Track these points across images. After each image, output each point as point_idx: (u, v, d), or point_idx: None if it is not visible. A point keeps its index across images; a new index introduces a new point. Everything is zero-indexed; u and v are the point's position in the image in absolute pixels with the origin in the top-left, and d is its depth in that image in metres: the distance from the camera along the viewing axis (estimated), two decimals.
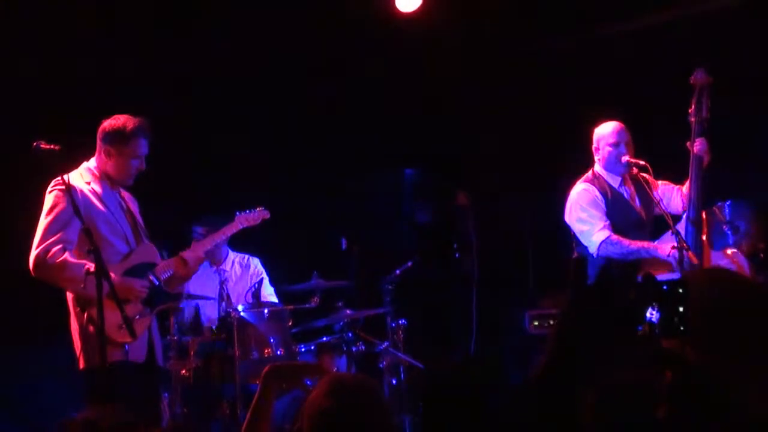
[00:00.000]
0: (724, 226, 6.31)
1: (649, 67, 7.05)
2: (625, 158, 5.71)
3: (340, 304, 6.74)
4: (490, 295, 7.15)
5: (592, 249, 5.59)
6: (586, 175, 5.86)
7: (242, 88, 7.41)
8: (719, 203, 6.36)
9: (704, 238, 5.64)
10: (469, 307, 7.11)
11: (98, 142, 5.19)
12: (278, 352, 6.21)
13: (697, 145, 5.57)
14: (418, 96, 7.66)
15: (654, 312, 2.82)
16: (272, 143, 7.57)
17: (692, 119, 5.66)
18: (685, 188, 5.72)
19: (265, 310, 6.35)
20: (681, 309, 2.54)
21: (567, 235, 5.81)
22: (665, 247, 5.44)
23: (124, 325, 4.74)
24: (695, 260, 5.41)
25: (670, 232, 5.52)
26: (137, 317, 5.02)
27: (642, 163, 5.67)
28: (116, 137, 5.13)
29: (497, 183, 7.80)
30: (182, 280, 5.45)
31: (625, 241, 5.53)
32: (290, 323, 6.48)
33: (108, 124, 5.17)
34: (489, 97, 7.67)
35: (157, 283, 5.17)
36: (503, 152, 7.74)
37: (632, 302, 2.71)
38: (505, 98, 7.62)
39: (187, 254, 5.38)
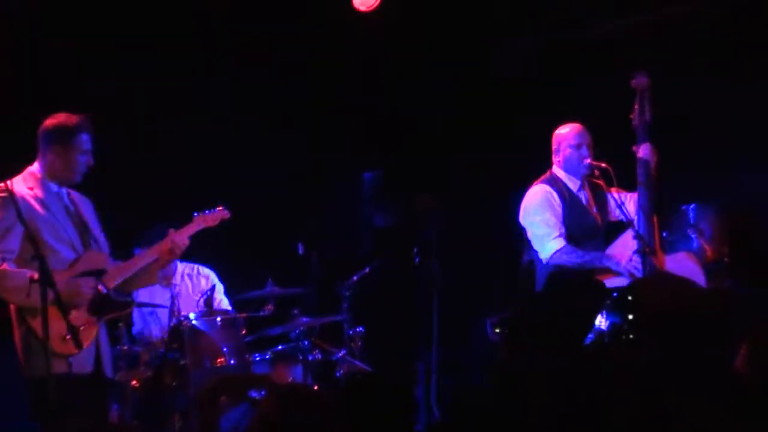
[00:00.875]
0: (689, 230, 6.40)
1: (604, 70, 7.06)
2: (587, 160, 5.71)
3: (295, 311, 6.69)
4: (454, 302, 7.13)
5: (544, 256, 5.57)
6: (544, 177, 5.83)
7: (194, 89, 7.37)
8: (684, 206, 6.44)
9: (657, 243, 5.64)
10: (430, 315, 7.05)
11: (41, 143, 5.14)
12: (231, 362, 6.17)
13: (643, 150, 5.58)
14: (378, 96, 7.66)
15: (604, 319, 2.93)
16: (225, 145, 7.51)
17: (635, 123, 5.69)
18: (636, 195, 5.72)
19: (218, 318, 6.32)
20: (630, 317, 2.58)
21: (519, 237, 5.80)
22: (620, 257, 5.43)
23: (69, 336, 4.67)
24: (661, 264, 5.46)
25: (625, 236, 5.56)
26: (83, 327, 4.92)
27: (604, 165, 5.68)
28: (59, 135, 5.09)
29: (463, 185, 7.82)
30: (163, 265, 5.37)
31: (580, 252, 5.53)
32: (244, 331, 6.45)
33: (49, 123, 5.14)
34: (450, 97, 7.67)
35: (105, 291, 5.08)
36: (469, 154, 7.73)
37: (582, 310, 2.77)
38: (466, 99, 7.64)
39: (176, 235, 5.30)
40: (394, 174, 8.01)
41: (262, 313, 6.66)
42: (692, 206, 6.40)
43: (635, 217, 5.63)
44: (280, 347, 6.69)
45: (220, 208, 5.66)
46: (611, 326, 2.90)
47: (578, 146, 5.76)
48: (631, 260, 5.36)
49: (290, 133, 7.64)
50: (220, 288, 6.94)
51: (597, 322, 3.01)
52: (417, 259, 7.05)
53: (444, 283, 6.90)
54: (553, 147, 5.86)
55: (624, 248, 5.54)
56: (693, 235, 6.35)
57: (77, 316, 4.92)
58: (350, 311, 6.91)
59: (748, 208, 6.63)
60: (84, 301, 4.98)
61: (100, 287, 5.03)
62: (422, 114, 7.70)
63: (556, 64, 7.38)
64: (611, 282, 5.37)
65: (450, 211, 7.32)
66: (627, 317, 2.82)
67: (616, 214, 5.86)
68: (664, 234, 6.19)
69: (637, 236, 5.40)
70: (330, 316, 6.90)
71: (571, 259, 5.53)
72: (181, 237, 5.31)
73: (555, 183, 5.76)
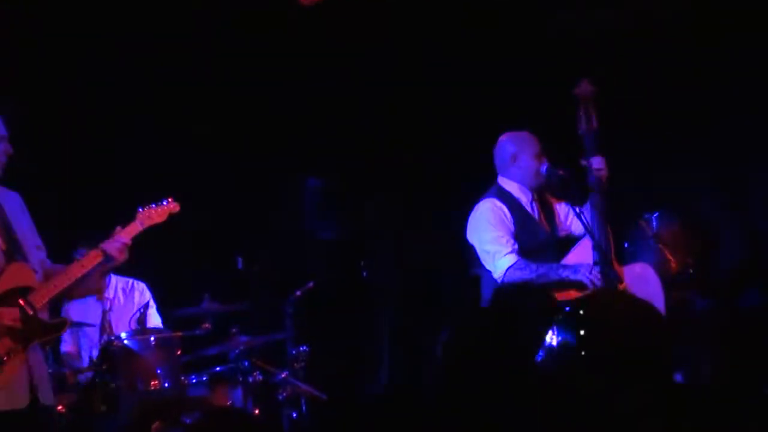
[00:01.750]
0: (651, 240, 6.41)
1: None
2: (545, 167, 5.63)
3: (234, 329, 6.61)
4: (406, 318, 7.07)
5: (497, 274, 5.49)
6: (491, 190, 5.75)
7: (128, 95, 7.27)
8: (646, 215, 6.43)
9: (612, 250, 5.55)
10: (380, 332, 7.07)
11: None
12: (166, 384, 6.07)
13: (596, 162, 5.53)
14: (322, 99, 7.56)
15: (554, 336, 2.91)
16: (159, 151, 7.37)
17: (582, 132, 5.62)
18: (585, 209, 5.64)
19: (152, 338, 6.22)
20: (582, 332, 2.58)
21: (467, 254, 5.72)
22: (578, 266, 5.38)
23: None
24: (621, 275, 5.38)
25: (579, 248, 5.52)
26: (6, 357, 4.43)
27: (561, 173, 5.63)
28: None
29: (412, 194, 7.75)
30: (104, 274, 4.99)
31: (533, 265, 5.45)
32: (179, 352, 6.35)
33: None
34: (399, 98, 7.61)
35: (31, 312, 4.52)
36: (419, 159, 7.71)
37: (530, 326, 2.80)
38: (414, 100, 7.57)
39: (107, 245, 4.75)
40: (339, 180, 7.94)
41: (198, 332, 6.54)
42: (655, 215, 6.38)
43: (585, 235, 5.59)
44: (218, 368, 6.60)
45: (169, 199, 5.14)
46: (562, 343, 2.93)
47: (538, 155, 5.67)
48: (590, 271, 5.30)
49: (229, 136, 7.56)
50: (153, 305, 6.85)
51: (548, 339, 3.03)
52: (365, 273, 7.15)
53: (395, 298, 6.95)
54: (503, 157, 5.75)
55: (579, 261, 5.48)
56: (656, 246, 6.34)
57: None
58: (294, 329, 6.79)
59: (714, 217, 6.70)
60: (4, 335, 4.44)
61: (24, 307, 4.48)
62: (369, 116, 7.66)
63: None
64: (569, 297, 5.32)
65: (402, 220, 7.29)
66: (579, 333, 2.83)
67: (566, 225, 5.83)
68: (625, 244, 6.22)
69: (596, 247, 5.34)
70: (272, 335, 6.82)
71: (526, 274, 5.43)
72: (124, 238, 4.81)
73: (503, 196, 5.68)
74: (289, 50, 7.36)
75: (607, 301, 2.96)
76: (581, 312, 2.79)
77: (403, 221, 7.53)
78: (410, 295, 7.28)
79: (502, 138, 5.79)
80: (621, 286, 5.31)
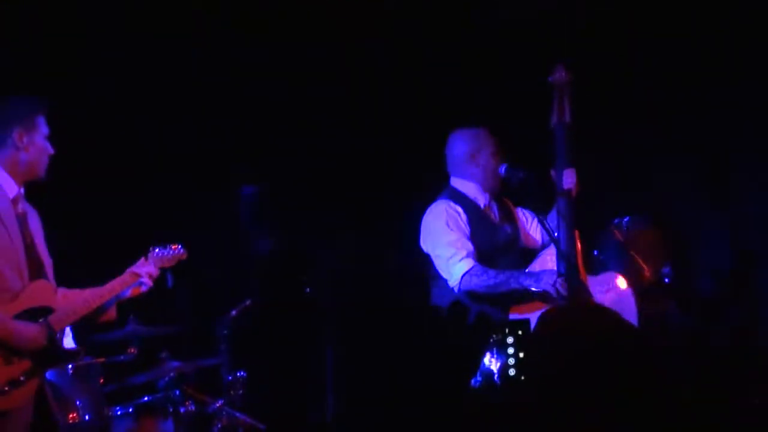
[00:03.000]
0: (623, 247, 6.31)
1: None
2: (504, 166, 5.54)
3: (163, 354, 6.42)
4: (352, 340, 6.96)
5: (453, 281, 5.40)
6: (443, 191, 5.68)
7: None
8: (616, 220, 6.36)
9: (580, 259, 5.43)
10: (325, 355, 6.97)
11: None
12: (86, 417, 5.93)
13: (566, 180, 5.43)
14: (256, 98, 7.43)
15: (494, 358, 3.08)
16: (78, 158, 6.82)
17: (553, 124, 5.52)
18: (551, 216, 5.56)
19: (69, 366, 6.04)
20: (521, 355, 2.65)
21: (422, 263, 5.64)
22: (541, 274, 5.27)
23: (7, 388, 4.28)
24: (587, 289, 5.27)
25: (543, 257, 5.46)
26: (22, 378, 4.41)
27: (521, 175, 5.51)
28: (23, 118, 4.60)
29: (359, 201, 7.66)
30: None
31: (492, 271, 5.34)
32: (102, 380, 6.24)
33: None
34: (339, 96, 7.48)
35: (51, 334, 4.54)
36: (367, 162, 7.61)
37: (465, 346, 2.88)
38: (361, 98, 7.47)
39: (139, 268, 5.04)
40: (277, 187, 7.75)
41: (123, 358, 6.41)
42: (626, 219, 6.33)
43: (546, 246, 5.58)
44: (145, 398, 6.34)
45: (175, 247, 5.38)
46: (502, 367, 3.03)
47: (495, 154, 5.63)
48: (554, 280, 5.18)
49: (157, 139, 7.31)
50: (69, 329, 6.25)
51: (486, 362, 3.16)
52: (308, 289, 7.07)
53: (341, 316, 6.91)
54: (457, 155, 5.68)
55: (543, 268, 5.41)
56: (627, 253, 6.28)
57: (15, 364, 4.41)
58: (229, 353, 6.63)
59: (691, 221, 6.69)
60: (32, 349, 4.44)
61: (48, 330, 4.51)
62: (310, 117, 7.52)
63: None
64: (527, 313, 5.18)
65: (347, 230, 7.32)
66: (518, 356, 2.95)
67: (529, 232, 5.83)
68: (595, 252, 6.16)
69: (561, 256, 5.22)
70: (205, 360, 6.62)
71: (483, 281, 5.33)
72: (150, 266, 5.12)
73: (457, 198, 5.61)
74: (219, 46, 7.23)
75: (572, 318, 2.84)
76: (520, 333, 2.93)
77: (349, 231, 7.43)
78: (357, 312, 7.13)
79: (455, 135, 5.72)
80: (588, 299, 5.21)
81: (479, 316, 5.30)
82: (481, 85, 7.05)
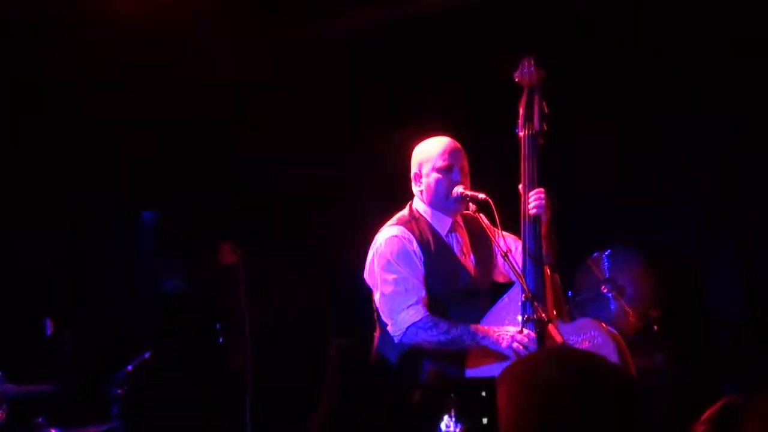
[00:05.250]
0: (603, 287, 6.15)
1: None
2: (458, 190, 5.03)
3: (40, 419, 5.92)
4: (272, 397, 6.74)
5: (396, 331, 5.00)
6: (400, 214, 5.19)
7: None
8: (595, 254, 6.17)
9: (549, 302, 5.09)
10: (241, 416, 6.67)
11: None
12: None
13: (534, 202, 4.99)
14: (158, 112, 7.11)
15: (452, 423, 3.05)
16: None
17: (521, 133, 5.12)
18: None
19: None
20: (485, 420, 2.74)
21: (366, 301, 5.25)
22: (501, 334, 4.86)
23: None
24: (558, 336, 4.69)
25: (513, 294, 5.03)
26: None
27: (482, 197, 4.97)
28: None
29: (285, 229, 7.44)
30: None
31: (444, 325, 4.92)
32: None
33: None
34: (260, 106, 7.31)
35: None
36: (293, 184, 7.35)
37: (416, 409, 3.01)
38: (283, 107, 7.29)
39: None
40: (186, 215, 7.45)
41: None
42: (607, 252, 6.12)
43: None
44: None
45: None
46: None
47: (448, 169, 5.08)
48: (513, 340, 4.80)
49: (44, 159, 7.08)
50: None
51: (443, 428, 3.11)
52: (221, 338, 6.86)
53: (259, 372, 6.69)
54: (412, 171, 5.20)
55: (510, 312, 5.00)
56: (609, 294, 6.16)
57: None
58: (124, 417, 6.11)
59: (686, 255, 6.49)
60: None
61: None
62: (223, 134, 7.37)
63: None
64: (489, 369, 4.89)
65: (271, 267, 7.09)
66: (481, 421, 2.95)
67: (501, 265, 5.31)
68: (569, 293, 6.02)
69: (528, 299, 4.74)
70: (93, 426, 6.09)
71: (431, 336, 4.91)
72: None
73: (414, 223, 5.13)
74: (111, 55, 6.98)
75: (537, 369, 2.70)
76: (483, 393, 2.96)
77: (273, 269, 7.15)
78: (280, 365, 6.95)
79: (417, 145, 5.31)
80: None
81: (433, 373, 4.97)
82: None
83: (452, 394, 3.75)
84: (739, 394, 5.79)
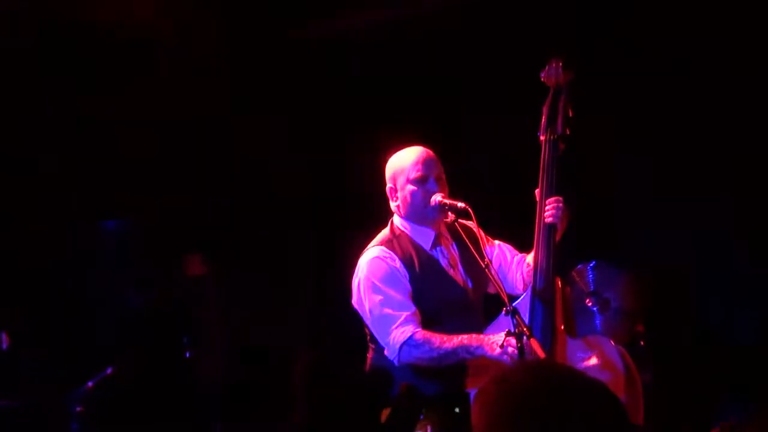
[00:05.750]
0: (587, 300, 5.70)
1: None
2: (437, 198, 4.91)
3: None
4: (241, 413, 6.72)
5: (392, 354, 4.90)
6: (381, 234, 5.08)
7: None
8: (580, 266, 5.75)
9: (559, 316, 5.08)
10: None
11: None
12: None
13: (550, 211, 4.94)
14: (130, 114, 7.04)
15: None
16: None
17: (543, 137, 5.01)
18: (530, 258, 5.10)
19: None
20: None
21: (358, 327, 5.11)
22: (497, 337, 4.75)
23: None
24: (540, 351, 4.58)
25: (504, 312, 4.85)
26: None
27: (461, 205, 4.85)
28: None
29: (259, 239, 7.37)
30: None
31: (436, 339, 4.82)
32: None
33: None
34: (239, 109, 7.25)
35: None
36: (263, 192, 7.31)
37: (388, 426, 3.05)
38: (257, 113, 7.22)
39: None
40: (152, 224, 7.39)
41: None
42: (591, 264, 5.73)
43: (525, 290, 5.07)
44: None
45: None
46: None
47: (422, 180, 4.95)
48: (503, 343, 4.71)
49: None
50: None
51: None
52: (188, 353, 6.77)
53: (228, 388, 6.74)
54: (387, 186, 5.12)
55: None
56: (594, 308, 5.69)
57: None
58: None
59: (675, 267, 6.40)
60: None
61: None
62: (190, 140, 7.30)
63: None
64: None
65: (242, 280, 7.07)
66: None
67: (506, 272, 5.27)
68: None
69: (510, 311, 4.58)
70: None
71: (423, 353, 4.82)
72: None
73: (396, 241, 5.02)
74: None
75: (517, 386, 2.59)
76: (456, 410, 3.07)
77: (244, 282, 7.11)
78: (249, 383, 6.91)
79: (390, 157, 5.22)
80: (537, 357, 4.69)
81: (404, 388, 4.88)
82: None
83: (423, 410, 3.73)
84: (733, 419, 5.72)
